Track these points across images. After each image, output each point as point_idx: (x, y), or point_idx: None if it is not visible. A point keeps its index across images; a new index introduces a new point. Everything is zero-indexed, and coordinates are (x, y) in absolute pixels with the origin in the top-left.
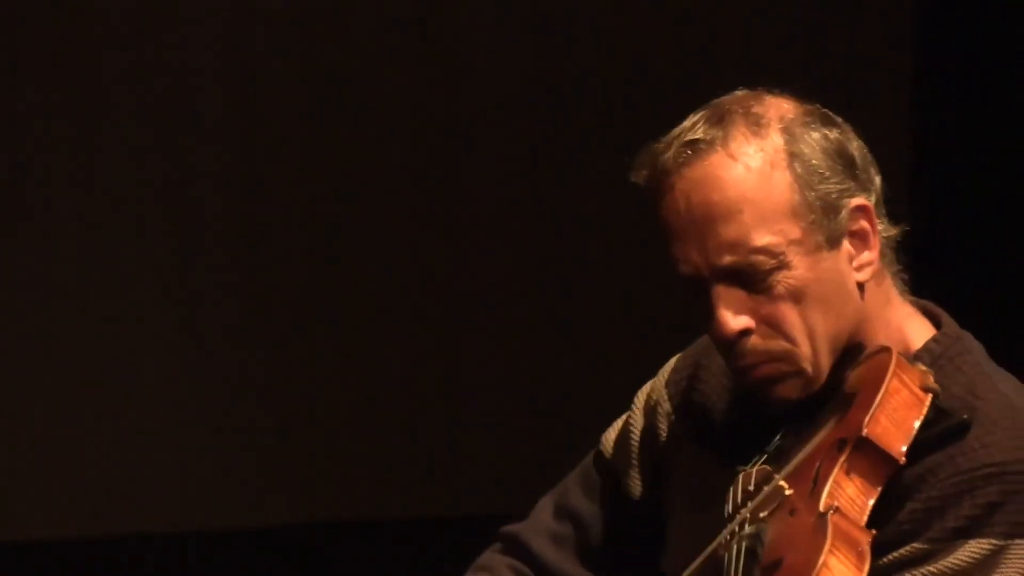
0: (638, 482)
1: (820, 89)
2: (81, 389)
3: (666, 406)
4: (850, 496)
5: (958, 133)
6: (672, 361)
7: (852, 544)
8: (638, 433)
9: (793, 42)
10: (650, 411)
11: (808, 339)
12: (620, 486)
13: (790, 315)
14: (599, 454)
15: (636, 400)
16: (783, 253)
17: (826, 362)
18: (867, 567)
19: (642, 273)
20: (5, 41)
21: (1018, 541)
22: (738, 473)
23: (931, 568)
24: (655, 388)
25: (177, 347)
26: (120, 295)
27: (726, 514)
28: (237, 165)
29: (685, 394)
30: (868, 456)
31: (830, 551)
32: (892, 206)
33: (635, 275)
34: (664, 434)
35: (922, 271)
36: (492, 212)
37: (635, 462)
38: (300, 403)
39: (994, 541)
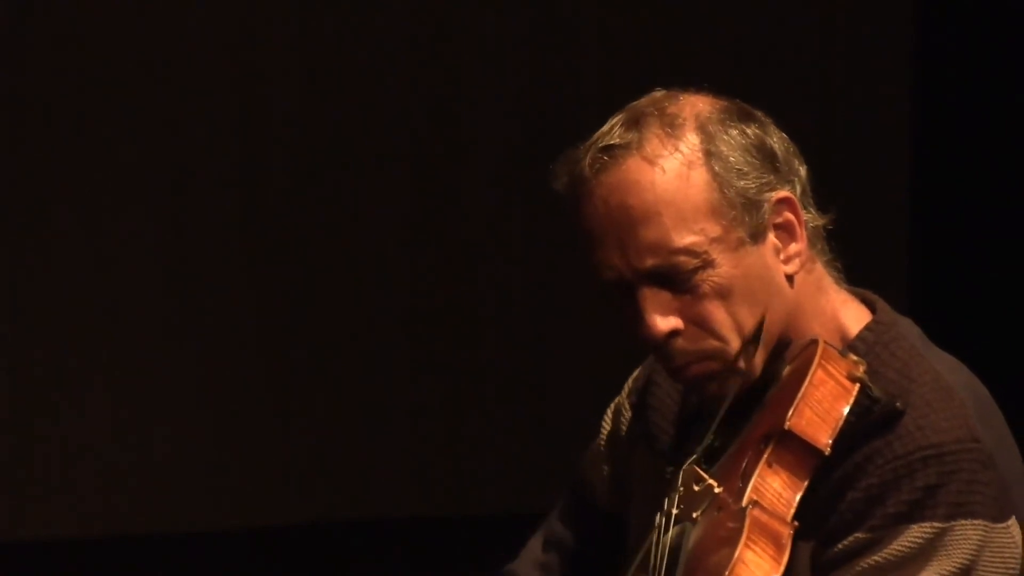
0: (605, 490)
1: (820, 89)
2: (81, 389)
3: (627, 413)
4: (776, 489)
5: (958, 133)
6: (636, 370)
7: (772, 537)
8: (605, 439)
9: (794, 43)
10: (616, 419)
11: (738, 335)
12: (592, 499)
13: (717, 313)
14: (576, 473)
15: (607, 411)
16: (705, 252)
17: (758, 356)
18: (786, 558)
19: None
20: (7, 39)
21: (960, 522)
22: (669, 474)
23: (876, 557)
24: (621, 397)
25: (177, 348)
26: (120, 295)
27: (657, 515)
28: (238, 167)
29: (641, 399)
30: (792, 449)
31: (746, 545)
32: (891, 206)
33: None
34: (625, 440)
35: (922, 270)
36: (493, 214)
37: (603, 470)
38: (300, 403)
39: (936, 524)
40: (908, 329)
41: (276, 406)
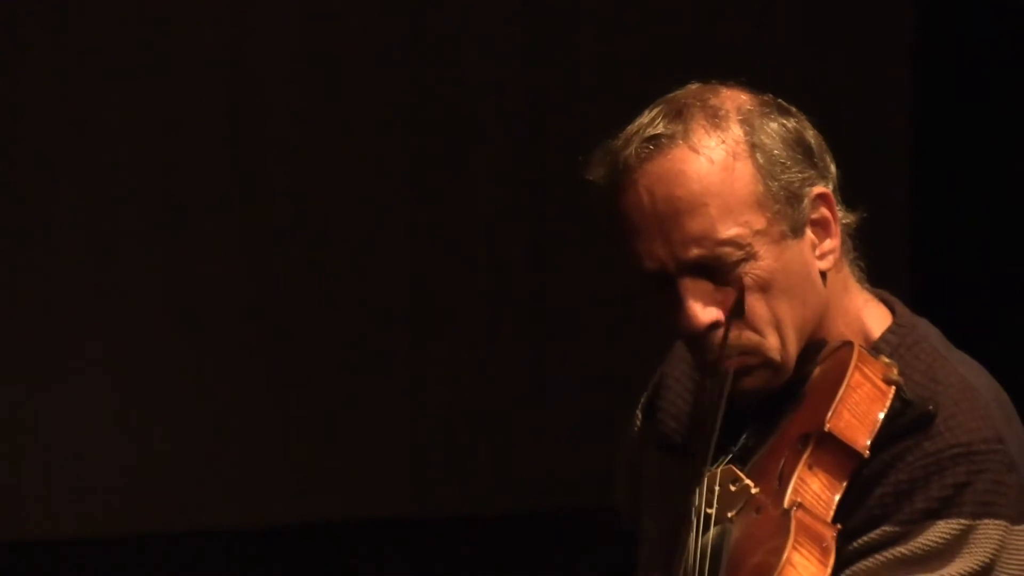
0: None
1: (820, 89)
2: (81, 390)
3: (640, 417)
4: (815, 491)
5: (958, 133)
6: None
7: (816, 539)
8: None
9: (793, 42)
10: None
11: (776, 330)
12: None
13: (758, 306)
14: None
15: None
16: (749, 244)
17: (794, 351)
18: (832, 561)
19: None
20: (6, 37)
21: (985, 521)
22: (703, 474)
23: (902, 550)
24: (640, 405)
25: (177, 347)
26: (120, 294)
27: (692, 516)
28: (237, 166)
29: (651, 403)
30: (831, 451)
31: (793, 547)
32: (891, 206)
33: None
34: (637, 442)
35: (922, 271)
36: (494, 213)
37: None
38: (300, 403)
39: (963, 521)
40: (928, 331)
41: (276, 406)
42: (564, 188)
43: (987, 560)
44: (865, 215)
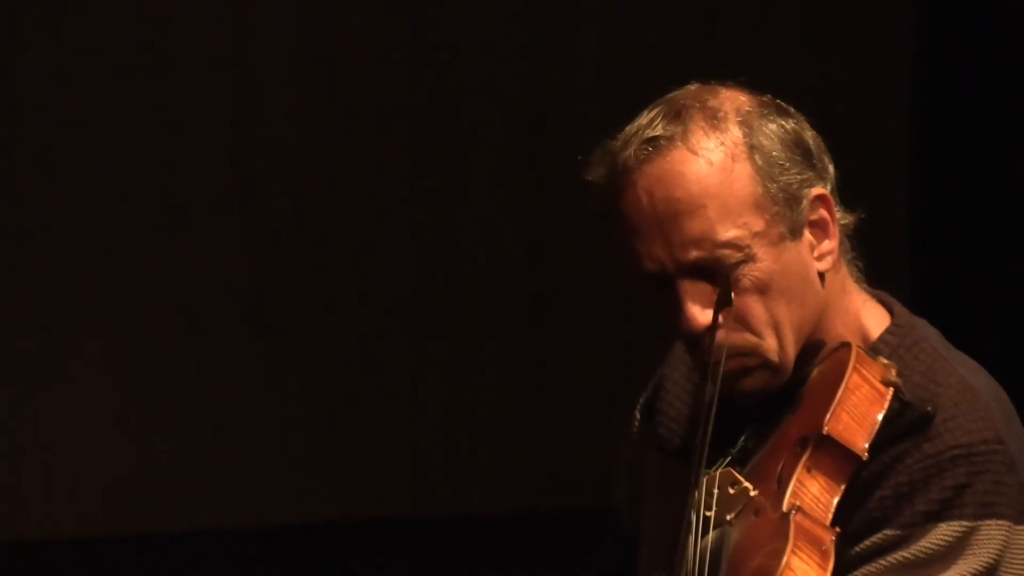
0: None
1: (820, 89)
2: (81, 390)
3: (638, 418)
4: (814, 494)
5: (958, 133)
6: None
7: (815, 543)
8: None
9: (794, 42)
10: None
11: (774, 331)
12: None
13: (756, 308)
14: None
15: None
16: (748, 246)
17: (792, 352)
18: (831, 565)
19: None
20: (6, 37)
21: (987, 522)
22: (703, 476)
23: (905, 554)
24: (639, 406)
25: (177, 347)
26: (121, 295)
27: (691, 518)
28: (237, 166)
29: (650, 405)
30: (830, 454)
31: (792, 551)
32: (891, 206)
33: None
34: (637, 444)
35: (922, 271)
36: (494, 212)
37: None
38: (299, 403)
39: (964, 523)
40: (927, 332)
41: (276, 406)
42: (564, 188)
43: (991, 561)
44: (864, 216)
